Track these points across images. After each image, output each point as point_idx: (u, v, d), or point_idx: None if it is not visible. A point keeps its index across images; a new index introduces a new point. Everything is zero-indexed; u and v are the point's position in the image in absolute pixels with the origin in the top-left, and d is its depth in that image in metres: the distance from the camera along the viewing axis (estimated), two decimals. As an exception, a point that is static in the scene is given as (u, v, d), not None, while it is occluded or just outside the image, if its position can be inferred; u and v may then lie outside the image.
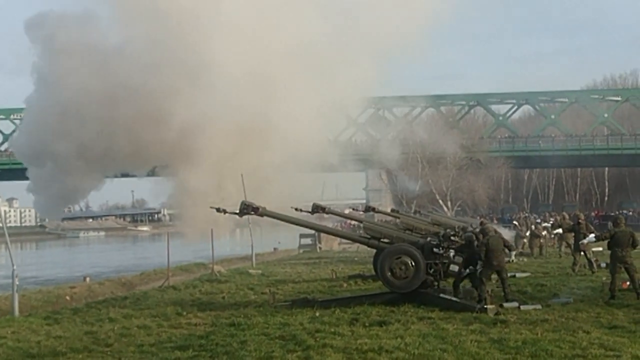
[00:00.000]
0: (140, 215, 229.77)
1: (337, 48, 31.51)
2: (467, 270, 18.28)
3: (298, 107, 29.85)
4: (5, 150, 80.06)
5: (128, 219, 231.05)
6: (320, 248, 45.33)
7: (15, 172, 78.34)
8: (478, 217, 49.52)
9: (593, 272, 23.70)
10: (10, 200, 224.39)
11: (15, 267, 20.09)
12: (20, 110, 79.29)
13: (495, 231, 20.06)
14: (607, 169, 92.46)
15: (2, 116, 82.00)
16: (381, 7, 33.50)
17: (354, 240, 22.87)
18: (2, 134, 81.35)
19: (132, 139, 27.46)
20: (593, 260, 24.62)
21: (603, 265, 23.98)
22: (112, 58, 29.30)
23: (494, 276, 18.33)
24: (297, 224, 22.79)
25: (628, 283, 18.04)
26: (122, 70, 27.77)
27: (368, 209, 33.53)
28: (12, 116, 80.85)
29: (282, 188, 28.15)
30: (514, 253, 27.96)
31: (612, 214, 74.84)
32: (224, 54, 28.69)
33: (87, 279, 31.41)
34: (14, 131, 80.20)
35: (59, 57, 28.61)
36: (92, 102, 27.22)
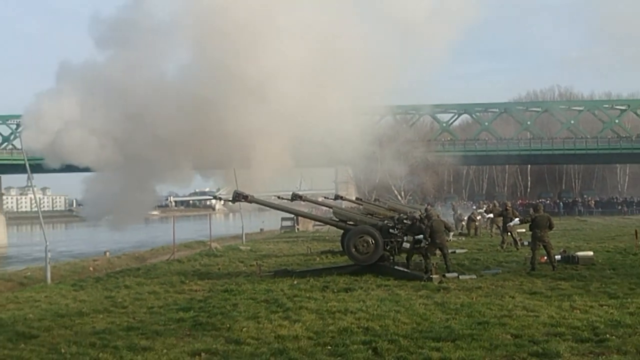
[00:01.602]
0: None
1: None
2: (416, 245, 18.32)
3: (337, 115, 29.52)
4: (40, 148, 79.14)
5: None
6: (298, 229, 45.30)
7: (40, 167, 77.93)
8: (426, 204, 49.72)
9: (517, 249, 23.90)
10: (44, 189, 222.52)
11: (47, 243, 19.96)
12: (17, 116, 79.14)
13: (438, 216, 20.25)
14: (529, 166, 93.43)
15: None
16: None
17: (326, 223, 22.90)
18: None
19: (196, 149, 26.91)
20: (517, 239, 24.85)
21: (525, 243, 24.15)
22: (177, 74, 28.69)
23: (438, 252, 18.47)
24: (279, 209, 22.82)
25: (545, 258, 18.22)
26: (188, 85, 27.12)
27: (337, 197, 33.53)
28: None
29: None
30: (451, 233, 28.15)
31: (533, 202, 75.60)
32: (278, 70, 28.17)
33: (107, 253, 31.22)
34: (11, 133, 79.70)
35: (131, 70, 27.71)
36: (160, 114, 26.37)
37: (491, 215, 30.71)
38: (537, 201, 76.64)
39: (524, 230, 26.17)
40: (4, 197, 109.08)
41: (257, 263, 21.32)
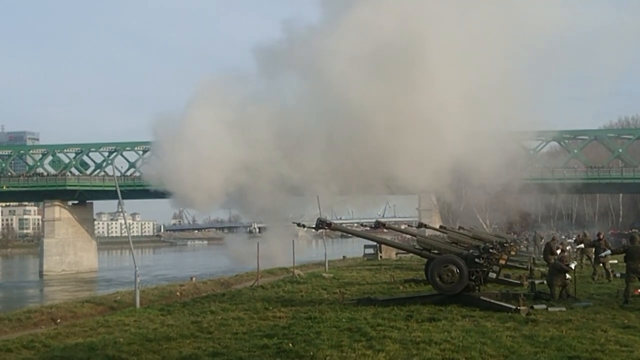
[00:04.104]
0: (235, 228, 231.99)
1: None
2: None
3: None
4: (131, 175, 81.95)
5: (225, 230, 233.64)
6: (380, 257, 44.98)
7: (138, 192, 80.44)
8: (512, 233, 48.70)
9: (609, 281, 23.07)
10: (133, 215, 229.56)
11: (137, 268, 20.48)
12: (145, 143, 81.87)
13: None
14: (621, 194, 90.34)
15: (128, 148, 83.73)
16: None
17: (409, 251, 22.62)
18: (128, 162, 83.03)
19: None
20: (610, 270, 24.00)
21: (618, 275, 23.33)
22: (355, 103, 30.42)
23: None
24: (362, 237, 22.81)
25: (639, 290, 17.54)
26: (367, 114, 28.61)
27: (420, 225, 33.28)
28: (136, 148, 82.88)
29: None
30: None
31: (626, 232, 72.69)
32: (428, 101, 29.43)
33: (194, 278, 31.83)
34: (136, 160, 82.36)
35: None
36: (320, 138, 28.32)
37: (582, 245, 29.75)
38: (631, 231, 73.95)
39: (616, 261, 25.29)
40: (96, 222, 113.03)
41: (340, 291, 21.28)
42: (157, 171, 60.93)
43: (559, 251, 24.93)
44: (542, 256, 34.11)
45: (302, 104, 42.44)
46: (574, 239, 35.84)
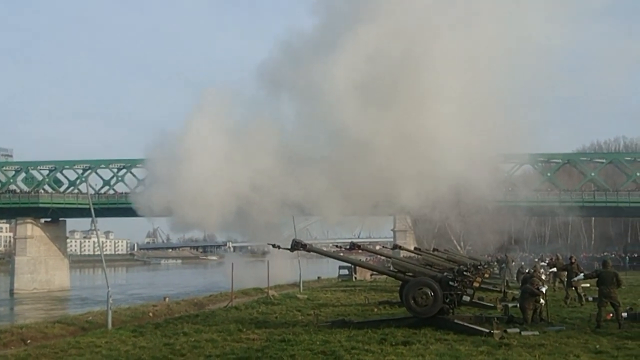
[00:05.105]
0: (209, 247, 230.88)
1: None
2: None
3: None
4: (104, 193, 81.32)
5: (200, 249, 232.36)
6: (355, 278, 44.97)
7: (111, 210, 79.74)
8: (486, 255, 48.97)
9: (582, 305, 23.24)
10: (107, 233, 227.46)
11: (110, 289, 20.23)
12: (119, 161, 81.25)
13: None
14: (593, 218, 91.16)
15: (103, 165, 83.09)
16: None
17: (384, 273, 22.60)
18: (103, 179, 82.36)
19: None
20: (582, 294, 24.16)
21: (590, 299, 23.49)
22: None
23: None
24: (337, 259, 22.81)
25: (612, 315, 17.66)
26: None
27: (395, 246, 33.36)
28: (110, 165, 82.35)
29: None
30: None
31: (598, 255, 73.27)
32: (434, 121, 30.61)
33: (167, 298, 31.48)
34: (111, 178, 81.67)
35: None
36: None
37: (554, 269, 29.95)
38: (603, 254, 74.64)
39: (588, 285, 25.49)
40: (68, 241, 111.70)
41: (314, 312, 21.22)
42: (155, 192, 59.46)
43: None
44: (515, 279, 34.38)
45: (302, 125, 43.06)
46: (547, 262, 36.06)
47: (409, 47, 34.66)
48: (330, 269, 51.10)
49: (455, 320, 17.33)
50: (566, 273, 25.39)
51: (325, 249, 24.40)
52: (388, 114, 34.62)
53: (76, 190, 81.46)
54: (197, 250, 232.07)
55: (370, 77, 35.37)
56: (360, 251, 25.34)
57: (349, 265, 40.42)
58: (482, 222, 57.94)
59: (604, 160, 78.30)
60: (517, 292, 25.09)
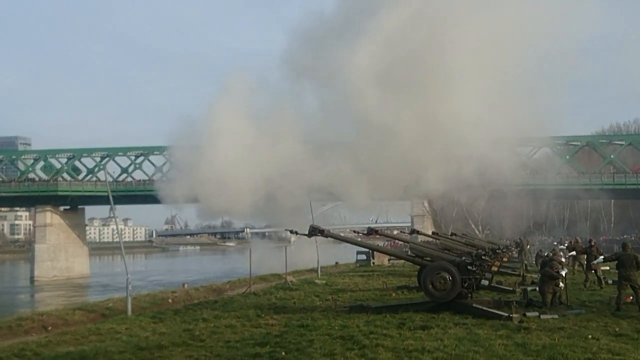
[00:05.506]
0: (227, 233, 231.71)
1: None
2: None
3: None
4: (122, 181, 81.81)
5: (218, 236, 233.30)
6: (373, 263, 44.96)
7: (130, 198, 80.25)
8: (505, 239, 48.75)
9: (601, 288, 23.11)
10: (125, 220, 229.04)
11: (129, 275, 20.38)
12: (137, 148, 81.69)
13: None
14: (612, 201, 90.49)
15: (121, 153, 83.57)
16: None
17: (402, 258, 22.57)
18: (121, 167, 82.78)
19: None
20: (602, 277, 24.03)
21: (610, 282, 23.37)
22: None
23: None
24: (354, 244, 22.81)
25: (631, 297, 17.56)
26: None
27: (413, 231, 33.26)
28: (128, 153, 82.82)
29: None
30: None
31: (618, 238, 72.79)
32: (457, 103, 30.98)
33: (186, 285, 31.69)
34: (129, 165, 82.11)
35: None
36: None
37: (574, 252, 29.77)
38: (623, 237, 74.10)
39: (608, 267, 25.34)
40: (87, 228, 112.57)
41: (332, 298, 21.27)
42: (180, 179, 59.31)
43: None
44: (534, 262, 34.23)
45: (326, 110, 43.28)
46: (566, 245, 35.87)
47: (431, 30, 34.66)
48: (348, 254, 51.10)
49: (474, 305, 17.29)
50: (585, 256, 25.27)
51: (342, 234, 24.46)
52: (411, 98, 34.77)
53: (94, 178, 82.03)
54: (215, 236, 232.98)
55: (392, 60, 35.42)
56: (378, 236, 25.27)
57: (367, 250, 40.43)
58: (503, 205, 57.86)
59: (623, 142, 77.61)
60: (536, 276, 25.03)
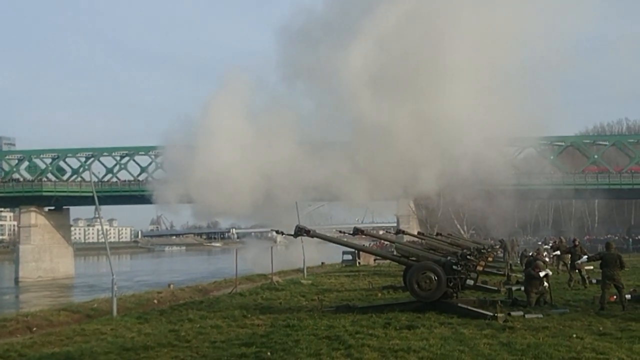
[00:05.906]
0: (213, 234, 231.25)
1: None
2: None
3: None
4: (107, 181, 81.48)
5: (204, 236, 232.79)
6: (359, 263, 45.02)
7: (115, 198, 79.91)
8: (489, 239, 48.96)
9: (585, 287, 23.27)
10: (110, 220, 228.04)
11: (114, 276, 20.28)
12: (122, 148, 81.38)
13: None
14: (596, 201, 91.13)
15: (105, 153, 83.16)
16: None
17: (387, 258, 22.61)
18: (105, 167, 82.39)
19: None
20: (586, 277, 24.20)
21: (594, 281, 23.54)
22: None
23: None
24: (340, 244, 22.83)
25: (615, 297, 17.69)
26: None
27: (399, 231, 33.32)
28: (113, 153, 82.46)
29: None
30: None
31: (602, 238, 73.24)
32: (451, 102, 31.46)
33: (171, 285, 31.56)
34: (114, 165, 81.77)
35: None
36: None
37: (558, 252, 29.97)
38: (606, 236, 74.61)
39: (591, 267, 25.51)
40: (72, 229, 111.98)
41: (318, 298, 21.27)
42: (175, 180, 58.61)
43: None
44: (518, 262, 34.40)
45: (321, 110, 43.39)
46: (550, 245, 36.11)
47: (425, 31, 34.92)
48: (334, 254, 51.14)
49: (459, 304, 17.36)
50: (570, 256, 25.44)
51: (328, 234, 24.47)
52: (406, 97, 35.06)
53: (79, 179, 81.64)
54: (201, 237, 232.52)
55: (386, 61, 35.69)
56: (364, 236, 25.29)
57: (353, 250, 40.49)
58: (489, 205, 58.08)
59: (607, 143, 78.16)
60: (520, 276, 25.17)
